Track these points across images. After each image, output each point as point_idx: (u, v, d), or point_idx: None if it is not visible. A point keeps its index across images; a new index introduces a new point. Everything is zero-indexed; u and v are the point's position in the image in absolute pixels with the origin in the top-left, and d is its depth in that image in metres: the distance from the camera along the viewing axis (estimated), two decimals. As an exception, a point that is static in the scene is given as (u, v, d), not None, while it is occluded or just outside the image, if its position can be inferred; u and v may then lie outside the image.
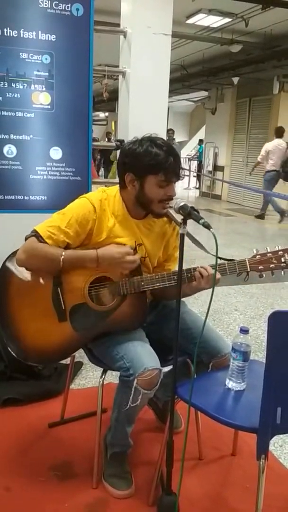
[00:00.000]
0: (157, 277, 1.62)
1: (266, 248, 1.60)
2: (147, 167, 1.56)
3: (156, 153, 1.55)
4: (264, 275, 1.60)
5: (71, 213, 1.61)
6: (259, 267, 1.59)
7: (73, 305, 1.63)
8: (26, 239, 1.62)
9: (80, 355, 2.30)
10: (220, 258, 1.57)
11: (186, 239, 1.43)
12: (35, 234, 1.59)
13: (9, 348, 1.65)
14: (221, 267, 1.59)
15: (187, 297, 1.70)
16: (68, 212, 1.63)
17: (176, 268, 1.72)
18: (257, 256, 1.60)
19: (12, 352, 1.65)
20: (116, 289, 1.62)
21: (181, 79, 10.47)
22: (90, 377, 2.52)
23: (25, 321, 1.65)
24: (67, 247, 1.61)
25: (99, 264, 1.59)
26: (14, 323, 1.65)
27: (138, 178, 1.60)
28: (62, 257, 1.56)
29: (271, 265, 1.58)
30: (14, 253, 1.65)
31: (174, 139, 9.45)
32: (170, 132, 10.69)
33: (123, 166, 1.64)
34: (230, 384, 1.52)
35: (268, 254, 1.59)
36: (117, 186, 1.71)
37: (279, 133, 8.39)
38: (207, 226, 1.38)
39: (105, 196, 1.67)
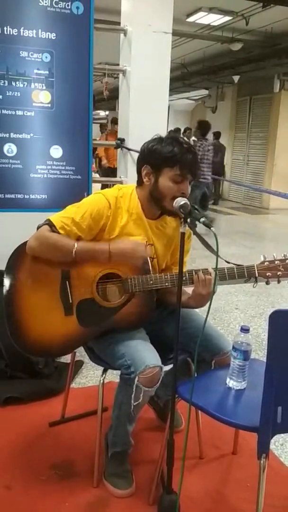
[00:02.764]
0: (166, 277, 1.61)
1: (274, 255, 1.60)
2: (164, 159, 1.57)
3: (175, 147, 1.57)
4: (270, 282, 1.60)
5: (86, 207, 1.61)
6: (267, 274, 1.58)
7: (80, 299, 1.62)
8: (38, 228, 1.61)
9: (81, 354, 2.30)
10: (228, 263, 1.58)
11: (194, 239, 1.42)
12: (48, 223, 1.59)
13: (11, 339, 1.64)
14: (230, 271, 1.59)
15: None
16: (83, 205, 1.63)
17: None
18: (266, 263, 1.59)
19: (14, 343, 1.64)
20: (124, 286, 1.62)
21: (182, 78, 10.47)
22: (90, 376, 2.52)
23: (31, 312, 1.64)
24: (78, 239, 1.61)
25: (111, 257, 1.58)
26: (19, 314, 1.64)
27: (154, 171, 1.61)
28: (75, 248, 1.56)
29: (279, 273, 1.58)
30: (24, 244, 1.64)
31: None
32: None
33: (141, 160, 1.66)
34: (231, 383, 1.52)
35: (276, 262, 1.59)
36: (133, 185, 1.71)
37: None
38: (207, 225, 1.38)
39: (120, 194, 1.67)
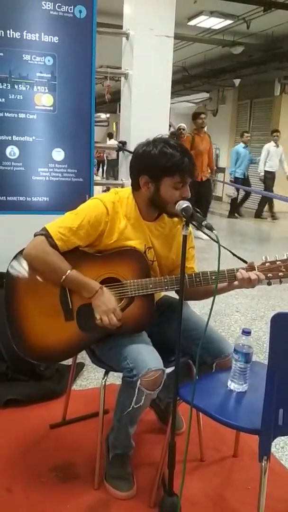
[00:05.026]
0: (165, 280, 1.62)
1: (276, 256, 1.60)
2: (163, 169, 1.55)
3: (171, 154, 1.54)
4: (272, 283, 1.60)
5: (84, 214, 1.60)
6: (268, 275, 1.58)
7: (80, 304, 1.63)
8: (35, 235, 1.61)
9: (82, 356, 2.30)
10: (236, 256, 1.58)
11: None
12: (46, 234, 1.58)
13: (13, 345, 1.65)
14: (231, 273, 1.59)
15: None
16: (81, 212, 1.62)
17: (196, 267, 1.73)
18: (267, 264, 1.60)
19: (16, 349, 1.65)
20: (124, 290, 1.62)
21: (183, 81, 10.50)
22: (91, 378, 2.52)
23: (31, 318, 1.65)
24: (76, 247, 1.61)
25: (93, 298, 1.58)
26: (21, 320, 1.65)
27: (153, 181, 1.59)
28: (66, 274, 1.56)
29: (280, 273, 1.58)
30: (21, 251, 1.64)
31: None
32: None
33: (136, 168, 1.63)
34: (232, 385, 1.52)
35: (278, 262, 1.58)
36: (130, 188, 1.70)
37: None
38: (209, 228, 1.39)
39: (117, 198, 1.66)
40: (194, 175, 1.61)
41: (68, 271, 1.57)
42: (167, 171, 1.55)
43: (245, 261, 1.62)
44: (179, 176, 1.55)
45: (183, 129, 7.48)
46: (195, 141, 6.54)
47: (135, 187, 1.66)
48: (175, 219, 1.71)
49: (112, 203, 1.64)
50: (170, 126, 5.14)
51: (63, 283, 1.58)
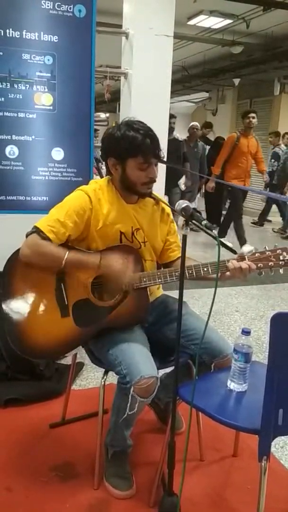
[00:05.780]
0: (158, 273, 1.63)
1: (265, 247, 1.61)
2: (125, 150, 1.60)
3: (133, 136, 1.59)
4: (263, 272, 1.61)
5: (68, 205, 1.64)
6: (259, 264, 1.59)
7: (76, 300, 1.64)
8: (27, 235, 1.63)
9: (81, 356, 2.30)
10: (232, 251, 1.59)
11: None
12: (36, 231, 1.60)
13: (10, 342, 1.65)
14: (222, 264, 1.60)
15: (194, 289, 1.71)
16: (65, 204, 1.66)
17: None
18: (257, 254, 1.61)
19: (12, 346, 1.65)
20: (118, 285, 1.63)
21: (182, 80, 10.48)
22: (91, 378, 2.52)
23: (27, 315, 1.65)
24: (68, 239, 1.63)
25: (100, 269, 1.60)
26: (17, 318, 1.65)
27: (119, 162, 1.64)
28: (65, 257, 1.58)
29: (270, 263, 1.59)
30: (16, 252, 1.66)
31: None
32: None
33: (105, 152, 1.69)
34: (232, 385, 1.52)
35: (267, 253, 1.60)
36: (108, 176, 1.75)
37: None
38: (209, 227, 1.39)
39: (97, 186, 1.71)
40: (158, 156, 1.64)
41: (66, 253, 1.59)
42: (130, 152, 1.60)
43: (235, 252, 1.64)
44: (142, 157, 1.60)
45: (196, 129, 7.29)
46: (240, 142, 5.76)
47: (108, 172, 1.72)
48: (152, 201, 1.77)
49: (94, 190, 1.68)
50: (172, 117, 5.09)
51: (64, 269, 1.60)
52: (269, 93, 9.95)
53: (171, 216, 1.84)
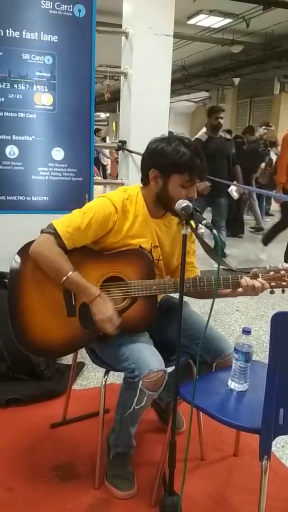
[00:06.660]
0: (169, 282, 1.62)
1: (280, 265, 1.60)
2: (174, 165, 1.56)
3: (184, 153, 1.55)
4: (275, 291, 1.60)
5: (92, 213, 1.60)
6: (272, 284, 1.59)
7: (83, 301, 1.63)
8: (42, 232, 1.61)
9: (82, 355, 2.30)
10: (234, 270, 1.59)
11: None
12: (54, 234, 1.58)
13: (14, 338, 1.64)
14: (235, 280, 1.59)
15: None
16: (89, 211, 1.61)
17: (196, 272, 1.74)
18: (271, 273, 1.59)
19: (17, 343, 1.64)
20: (128, 290, 1.62)
21: (182, 80, 10.50)
22: (92, 378, 2.52)
23: (34, 312, 1.64)
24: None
25: (91, 303, 1.58)
26: (24, 314, 1.64)
27: (162, 176, 1.60)
28: (67, 276, 1.55)
29: (283, 283, 1.58)
30: (27, 245, 1.63)
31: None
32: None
33: (148, 162, 1.64)
34: (233, 385, 1.52)
35: (282, 272, 1.59)
36: (138, 186, 1.71)
37: None
38: (209, 227, 1.39)
39: (126, 196, 1.66)
40: (203, 177, 1.62)
41: (70, 273, 1.56)
42: (178, 168, 1.56)
43: (234, 270, 1.62)
44: (188, 174, 1.56)
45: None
46: None
47: (145, 181, 1.67)
48: (177, 219, 1.72)
49: (121, 201, 1.64)
50: (219, 111, 4.57)
51: (63, 284, 1.58)
52: (269, 92, 9.97)
53: (193, 236, 1.77)
